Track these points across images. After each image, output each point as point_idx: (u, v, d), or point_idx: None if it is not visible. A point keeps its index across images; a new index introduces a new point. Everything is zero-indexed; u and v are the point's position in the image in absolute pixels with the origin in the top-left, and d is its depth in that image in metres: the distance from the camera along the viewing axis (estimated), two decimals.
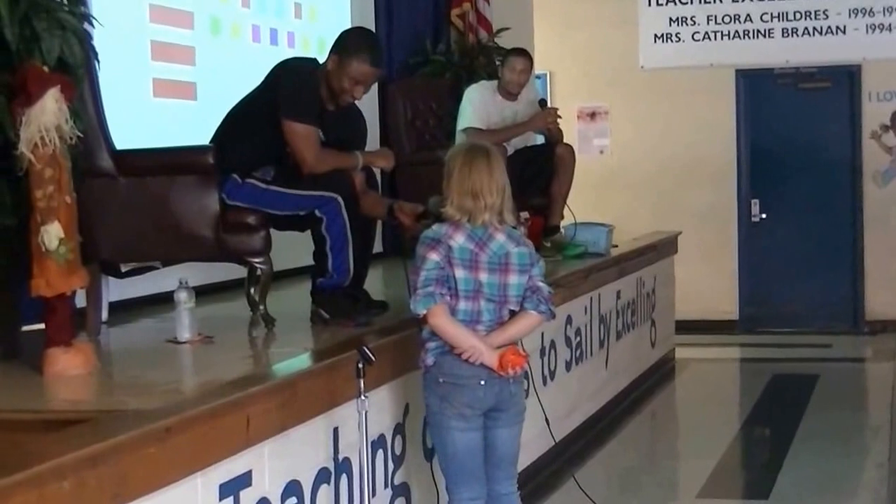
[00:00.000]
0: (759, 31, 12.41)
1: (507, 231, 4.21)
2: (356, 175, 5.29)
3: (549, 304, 4.25)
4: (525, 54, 8.00)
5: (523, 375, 4.38)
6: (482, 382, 4.19)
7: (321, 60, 5.38)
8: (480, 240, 4.18)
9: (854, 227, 12.41)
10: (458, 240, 4.18)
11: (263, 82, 5.38)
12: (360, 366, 4.04)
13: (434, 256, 4.15)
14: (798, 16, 12.32)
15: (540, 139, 8.21)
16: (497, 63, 8.42)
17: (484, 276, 4.18)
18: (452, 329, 4.17)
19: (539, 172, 7.96)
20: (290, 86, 5.19)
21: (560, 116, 7.88)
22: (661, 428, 8.77)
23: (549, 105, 7.98)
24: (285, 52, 6.62)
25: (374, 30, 8.60)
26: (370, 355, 4.05)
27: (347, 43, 5.32)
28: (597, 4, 12.63)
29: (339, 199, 5.05)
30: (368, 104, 8.46)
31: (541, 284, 4.24)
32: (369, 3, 8.36)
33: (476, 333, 4.18)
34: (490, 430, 4.29)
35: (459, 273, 4.17)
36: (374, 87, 8.15)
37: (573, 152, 8.09)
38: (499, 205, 4.18)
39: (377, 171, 5.63)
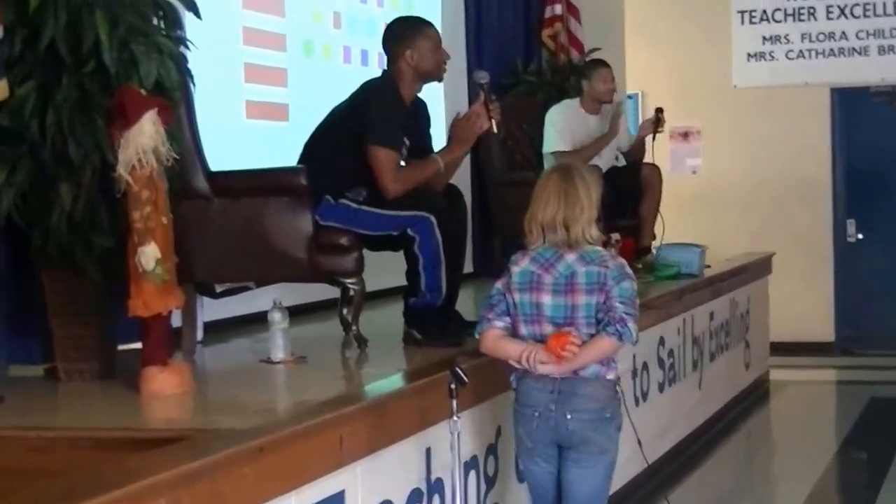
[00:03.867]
0: (854, 48, 12.24)
1: (581, 251, 4.09)
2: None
3: (620, 325, 4.01)
4: (608, 64, 8.05)
5: (602, 419, 4.13)
6: (536, 414, 4.11)
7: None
8: (547, 262, 4.12)
9: None
10: (522, 264, 4.16)
11: (349, 103, 5.42)
12: (453, 386, 4.03)
13: (498, 284, 4.20)
14: (894, 33, 12.13)
15: (622, 160, 8.19)
16: (583, 81, 8.40)
17: (546, 299, 4.10)
18: (500, 346, 4.15)
19: (626, 194, 7.94)
20: (377, 110, 5.23)
21: (663, 120, 7.87)
22: (756, 451, 8.65)
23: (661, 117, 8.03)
24: (376, 73, 6.63)
25: (465, 51, 8.64)
26: (463, 376, 4.04)
27: (403, 33, 5.41)
28: (689, 23, 12.54)
29: (432, 218, 5.06)
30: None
31: (616, 304, 4.03)
32: (460, 23, 8.39)
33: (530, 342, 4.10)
34: (563, 467, 4.17)
35: (517, 297, 4.14)
36: (465, 108, 8.22)
37: (659, 172, 8.08)
38: (574, 220, 4.08)
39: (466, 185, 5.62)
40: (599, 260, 4.10)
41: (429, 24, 5.46)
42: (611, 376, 4.16)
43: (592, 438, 4.13)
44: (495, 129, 5.29)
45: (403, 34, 5.39)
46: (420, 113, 5.54)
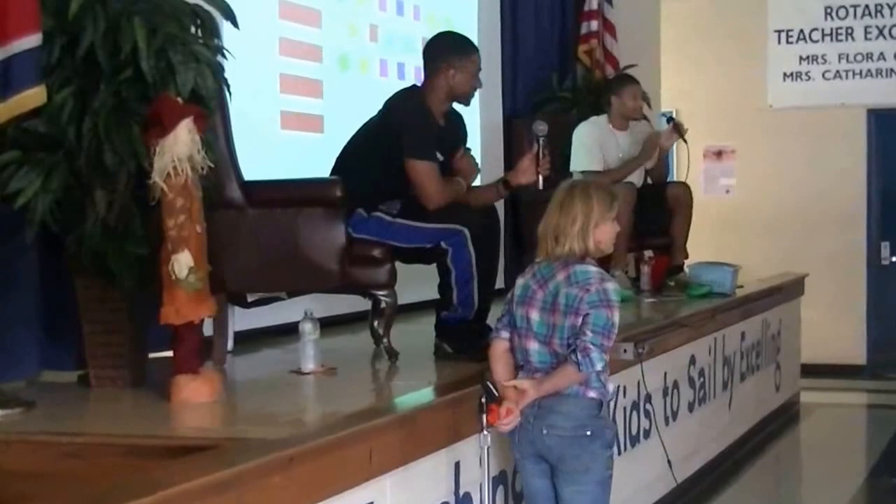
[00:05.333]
0: (892, 69, 12.19)
1: (572, 270, 4.08)
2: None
3: (581, 354, 3.99)
4: (637, 81, 8.03)
5: (580, 437, 4.10)
6: (519, 428, 4.13)
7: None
8: (543, 278, 4.15)
9: None
10: (525, 278, 4.22)
11: (379, 116, 5.44)
12: (483, 401, 4.03)
13: (509, 295, 4.26)
14: None
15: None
16: (612, 97, 8.39)
17: (535, 315, 4.13)
18: (493, 363, 4.24)
19: (657, 212, 7.92)
20: (410, 125, 5.24)
21: (685, 129, 7.82)
22: (785, 474, 8.60)
23: (674, 119, 7.99)
24: None
25: (500, 66, 8.63)
26: (494, 390, 4.04)
27: (450, 51, 5.40)
28: (725, 42, 12.52)
29: (466, 231, 5.05)
30: (493, 139, 8.48)
31: (587, 332, 4.01)
32: (496, 37, 8.39)
33: (514, 375, 4.17)
34: (556, 484, 4.19)
35: (516, 310, 4.20)
36: (500, 123, 8.22)
37: (689, 191, 8.06)
38: (565, 232, 4.08)
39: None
40: (583, 282, 4.07)
41: (475, 50, 5.47)
42: (592, 395, 4.13)
43: (569, 456, 4.13)
44: (540, 186, 5.31)
45: (450, 51, 5.40)
46: (456, 127, 5.54)
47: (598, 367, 4.04)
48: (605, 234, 4.16)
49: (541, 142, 5.31)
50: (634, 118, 7.91)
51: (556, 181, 7.21)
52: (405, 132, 5.21)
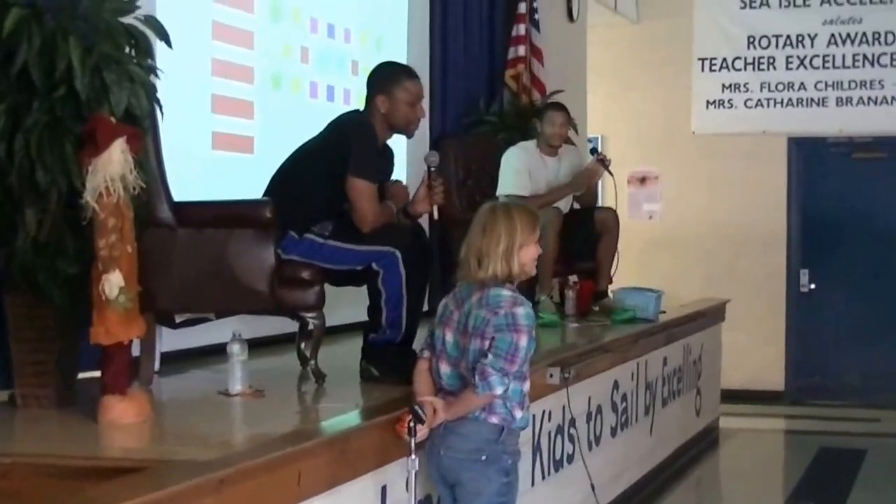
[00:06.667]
0: (812, 99, 12.40)
1: (485, 293, 4.11)
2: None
3: (479, 377, 4.02)
4: (563, 108, 8.11)
5: (475, 461, 4.15)
6: (425, 454, 4.19)
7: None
8: (461, 299, 4.20)
9: None
10: (447, 298, 4.29)
11: (321, 138, 5.44)
12: (412, 425, 4.06)
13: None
14: (853, 85, 12.30)
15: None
16: (535, 123, 8.47)
17: (449, 336, 4.19)
18: (415, 381, 4.31)
19: (583, 237, 7.98)
20: (357, 144, 5.24)
21: (609, 161, 7.88)
22: (705, 498, 8.71)
23: (599, 152, 8.05)
24: (341, 109, 6.65)
25: (429, 89, 8.67)
26: (422, 414, 4.07)
27: (383, 78, 5.42)
28: (650, 69, 12.68)
29: (398, 252, 5.07)
30: (421, 160, 8.51)
31: (489, 355, 4.03)
32: (425, 62, 8.42)
33: (432, 391, 4.22)
34: None
35: (436, 330, 4.26)
36: (427, 146, 8.25)
37: (616, 216, 8.12)
38: (487, 254, 4.10)
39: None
40: (494, 305, 4.10)
41: (411, 77, 5.43)
42: (494, 420, 4.15)
43: (464, 478, 4.18)
44: (436, 216, 5.36)
45: (382, 80, 5.41)
46: (388, 161, 5.58)
47: (497, 391, 4.06)
48: (529, 255, 4.19)
49: (431, 172, 5.33)
50: (555, 144, 7.96)
51: (480, 204, 7.27)
52: (352, 150, 5.20)
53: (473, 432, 4.15)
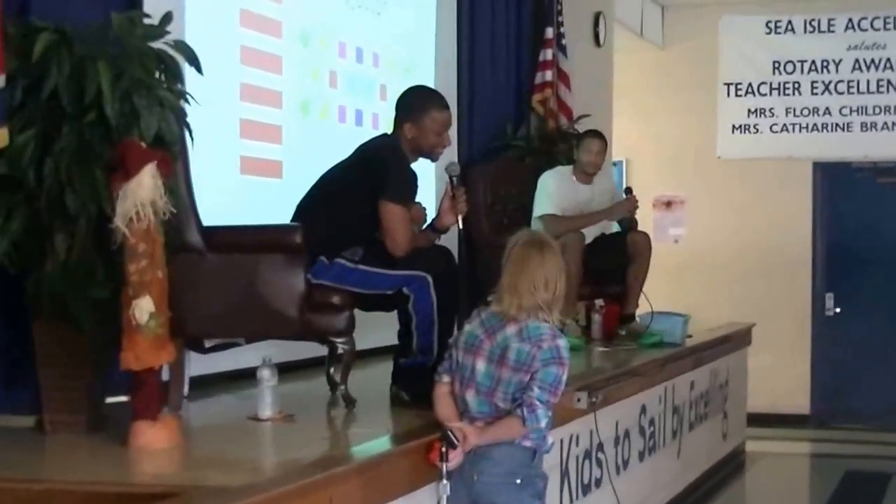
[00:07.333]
0: (837, 124, 12.39)
1: (524, 325, 4.07)
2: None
3: (528, 410, 4.02)
4: (600, 136, 8.10)
5: (510, 485, 4.13)
6: (455, 472, 4.13)
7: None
8: (492, 328, 4.13)
9: None
10: (472, 324, 4.21)
11: (350, 162, 5.44)
12: (444, 450, 4.04)
13: (451, 339, 4.30)
14: (878, 110, 12.28)
15: (615, 227, 8.23)
16: (574, 148, 8.48)
17: (481, 365, 4.12)
18: (438, 406, 4.23)
19: (615, 260, 7.97)
20: (392, 168, 5.25)
21: (638, 206, 7.93)
22: None
23: (633, 193, 8.02)
24: (369, 133, 6.67)
25: (456, 113, 8.67)
26: (454, 439, 4.04)
27: (412, 105, 5.41)
28: (676, 94, 12.67)
29: (429, 277, 5.07)
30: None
31: (535, 388, 4.03)
32: (452, 87, 8.42)
33: (457, 416, 4.16)
34: None
35: (459, 357, 4.19)
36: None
37: (649, 240, 8.11)
38: (545, 301, 4.08)
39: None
40: (537, 338, 4.07)
41: (439, 106, 5.42)
42: (527, 444, 4.14)
43: (499, 502, 4.14)
44: (460, 225, 5.35)
45: (411, 106, 5.40)
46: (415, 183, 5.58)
47: (542, 423, 4.07)
48: (563, 289, 4.18)
49: (453, 181, 5.32)
50: (590, 172, 7.97)
51: (513, 227, 7.31)
52: (386, 174, 5.21)
53: (507, 457, 4.13)
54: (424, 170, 5.81)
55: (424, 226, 5.58)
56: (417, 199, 5.65)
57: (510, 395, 4.08)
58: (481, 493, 4.14)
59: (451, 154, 8.36)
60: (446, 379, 4.24)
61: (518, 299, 4.08)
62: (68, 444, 4.47)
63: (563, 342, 4.12)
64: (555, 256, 4.15)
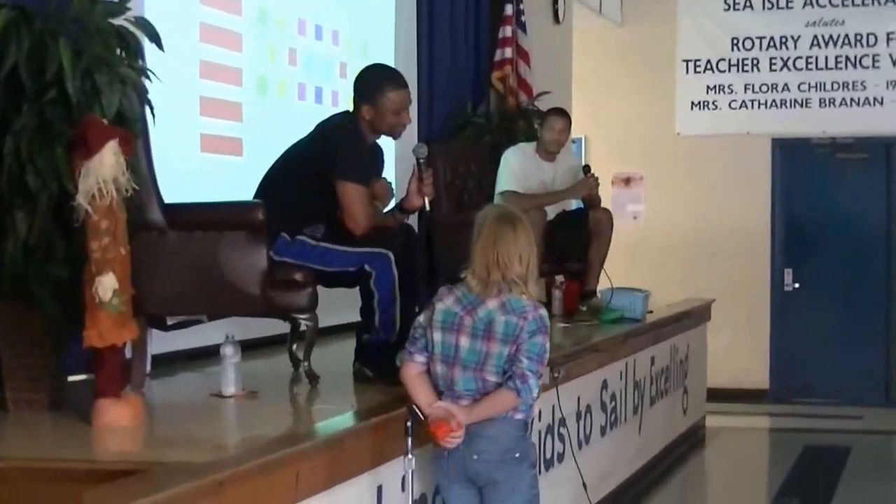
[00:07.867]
0: (796, 100, 12.46)
1: (505, 299, 4.08)
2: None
3: (520, 381, 4.02)
4: (564, 114, 8.11)
5: (510, 460, 4.14)
6: (446, 453, 4.13)
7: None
8: (470, 304, 4.12)
9: (888, 299, 12.39)
10: (446, 303, 4.16)
11: (309, 140, 5.43)
12: (410, 424, 4.05)
13: (420, 318, 4.23)
14: (836, 86, 12.36)
15: (577, 203, 8.25)
16: (536, 125, 8.49)
17: (464, 342, 4.11)
18: (415, 387, 4.16)
19: (576, 237, 8.00)
20: (345, 147, 5.25)
21: (598, 184, 7.96)
22: (692, 497, 8.72)
23: (591, 171, 8.02)
24: (329, 111, 6.65)
25: (416, 91, 8.67)
26: (420, 414, 4.06)
27: (368, 86, 5.38)
28: (634, 71, 12.71)
29: (390, 254, 5.07)
30: (409, 164, 8.50)
31: (523, 359, 4.04)
32: (412, 65, 8.41)
33: (438, 398, 4.12)
34: None
35: (437, 336, 4.14)
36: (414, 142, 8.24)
37: (611, 217, 8.14)
38: (520, 275, 4.09)
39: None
40: (520, 311, 4.09)
41: (395, 86, 5.36)
42: (519, 417, 4.16)
43: (499, 479, 4.15)
44: (427, 207, 5.33)
45: (367, 88, 5.36)
46: (376, 159, 5.57)
47: (535, 393, 4.09)
48: (535, 263, 4.20)
49: (421, 164, 5.31)
50: (553, 150, 7.98)
51: (472, 205, 7.33)
52: (339, 154, 5.21)
53: (503, 433, 4.13)
54: (385, 149, 5.79)
55: (391, 206, 5.57)
56: (384, 175, 5.65)
57: (500, 367, 4.08)
58: (480, 472, 4.14)
59: (411, 132, 8.39)
60: (420, 359, 4.19)
61: (494, 274, 4.08)
62: (31, 422, 4.45)
63: (544, 312, 4.16)
64: (526, 231, 4.16)
